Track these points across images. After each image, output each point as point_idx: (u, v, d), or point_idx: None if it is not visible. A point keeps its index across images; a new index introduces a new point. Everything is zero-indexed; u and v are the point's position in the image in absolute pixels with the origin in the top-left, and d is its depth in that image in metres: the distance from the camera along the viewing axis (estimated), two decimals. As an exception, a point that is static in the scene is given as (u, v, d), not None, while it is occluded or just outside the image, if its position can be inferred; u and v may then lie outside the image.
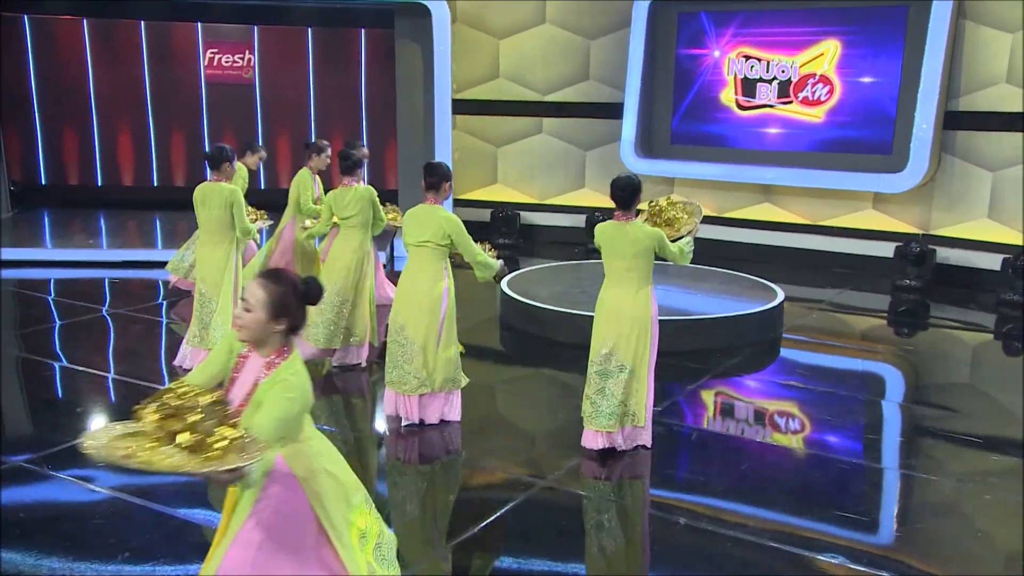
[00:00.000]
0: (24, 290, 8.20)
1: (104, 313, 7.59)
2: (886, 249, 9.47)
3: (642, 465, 4.70)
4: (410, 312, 4.89)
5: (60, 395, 5.77)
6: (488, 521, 4.01)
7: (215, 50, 12.60)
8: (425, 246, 4.85)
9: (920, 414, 5.85)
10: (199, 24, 12.43)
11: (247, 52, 12.66)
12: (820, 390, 6.16)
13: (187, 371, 5.88)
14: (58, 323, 7.33)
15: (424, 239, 4.84)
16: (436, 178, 4.89)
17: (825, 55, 9.82)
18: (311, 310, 2.66)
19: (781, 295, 7.39)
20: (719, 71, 10.49)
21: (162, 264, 8.15)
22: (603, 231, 4.58)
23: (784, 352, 7.06)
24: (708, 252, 8.72)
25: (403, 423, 5.06)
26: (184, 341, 5.89)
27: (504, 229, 11.00)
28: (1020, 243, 8.64)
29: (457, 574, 3.76)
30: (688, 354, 6.30)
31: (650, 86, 10.80)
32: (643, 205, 4.87)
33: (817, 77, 9.88)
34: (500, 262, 5.07)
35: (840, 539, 3.94)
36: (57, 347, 6.68)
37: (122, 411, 5.04)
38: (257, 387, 2.51)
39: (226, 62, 12.65)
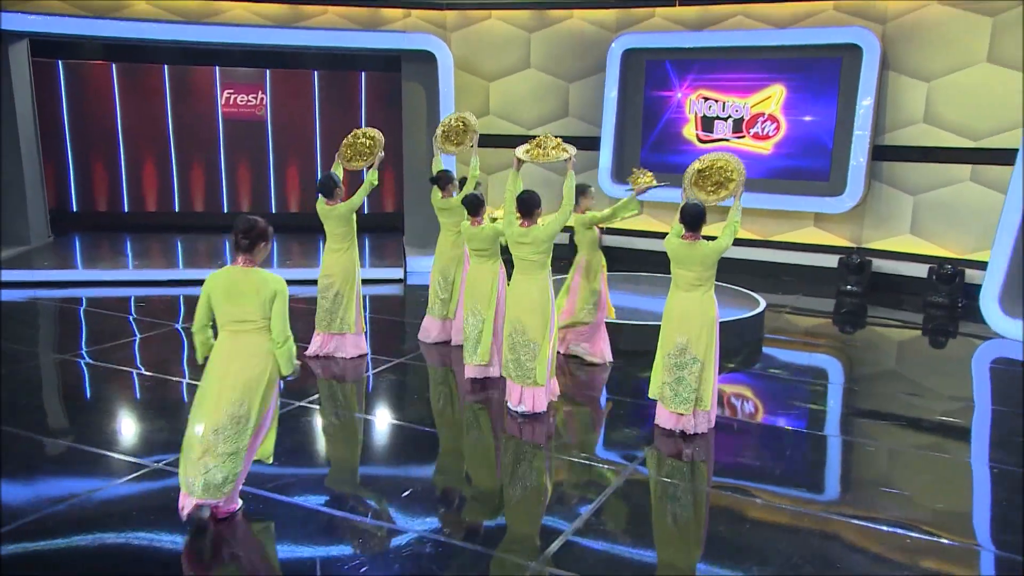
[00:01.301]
0: (71, 306, 8.62)
1: (178, 328, 8.03)
2: (827, 260, 10.46)
3: (706, 448, 5.17)
4: (527, 315, 5.37)
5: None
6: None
7: (231, 90, 13.09)
8: (530, 258, 5.38)
9: (864, 394, 6.66)
10: (216, 67, 12.93)
11: (260, 92, 13.17)
12: (799, 380, 6.92)
13: (318, 358, 6.72)
14: (137, 336, 7.74)
15: (529, 255, 5.38)
16: (529, 207, 5.37)
17: (772, 98, 10.79)
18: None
19: (763, 303, 7.99)
20: (682, 110, 11.40)
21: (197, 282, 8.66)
22: (674, 248, 5.10)
23: (767, 350, 7.59)
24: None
25: (519, 410, 5.52)
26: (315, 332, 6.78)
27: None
28: (940, 255, 9.71)
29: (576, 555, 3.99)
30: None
31: (623, 122, 11.65)
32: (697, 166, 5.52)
33: (766, 116, 10.85)
34: None
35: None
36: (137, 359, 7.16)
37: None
38: None
39: (241, 101, 13.15)
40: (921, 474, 5.03)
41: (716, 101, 11.12)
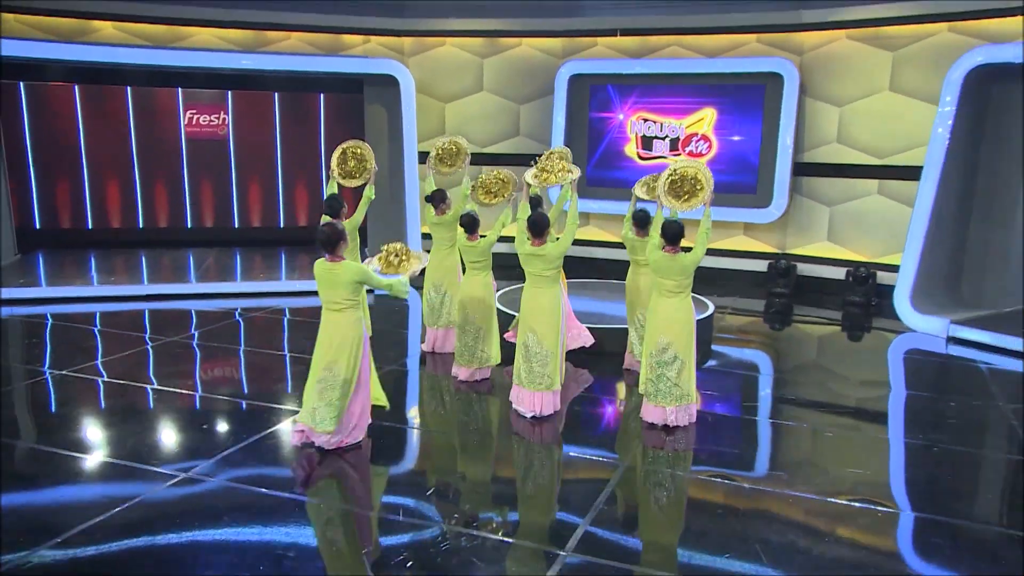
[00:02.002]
0: (39, 322, 8.65)
1: (196, 340, 8.17)
2: (757, 265, 11.28)
3: (687, 439, 5.63)
4: (541, 325, 5.76)
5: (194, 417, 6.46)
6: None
7: (194, 111, 13.08)
8: (544, 274, 5.75)
9: (792, 382, 7.33)
10: (179, 89, 12.93)
11: (222, 112, 13.20)
12: (741, 372, 7.63)
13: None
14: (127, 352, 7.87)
15: (543, 270, 5.75)
16: (540, 228, 5.70)
17: (704, 119, 11.56)
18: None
19: (712, 306, 8.48)
20: (623, 130, 12.06)
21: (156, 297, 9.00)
22: (656, 260, 5.58)
23: (715, 347, 8.15)
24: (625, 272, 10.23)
25: (529, 413, 5.84)
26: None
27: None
28: (854, 259, 10.62)
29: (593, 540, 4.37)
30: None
31: (570, 141, 12.14)
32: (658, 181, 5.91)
33: (699, 136, 11.60)
34: None
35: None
36: (150, 371, 7.28)
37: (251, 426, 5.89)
38: None
39: (203, 121, 13.15)
40: (845, 451, 5.61)
41: (654, 122, 11.82)
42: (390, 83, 11.31)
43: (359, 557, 4.02)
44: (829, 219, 10.95)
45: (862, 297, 10.09)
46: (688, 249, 5.58)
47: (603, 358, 7.42)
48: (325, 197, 7.09)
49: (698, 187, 5.74)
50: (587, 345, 7.41)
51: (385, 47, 12.37)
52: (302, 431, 5.23)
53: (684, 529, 4.45)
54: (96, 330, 8.44)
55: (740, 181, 11.43)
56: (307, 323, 8.86)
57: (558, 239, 5.85)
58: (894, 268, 10.02)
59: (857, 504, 4.70)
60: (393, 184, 11.76)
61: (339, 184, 7.26)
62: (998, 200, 9.11)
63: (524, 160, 12.74)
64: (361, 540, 4.24)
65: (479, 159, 12.68)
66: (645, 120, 11.88)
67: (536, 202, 6.92)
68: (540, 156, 6.98)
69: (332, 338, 5.07)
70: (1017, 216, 9.02)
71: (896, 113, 10.23)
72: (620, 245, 11.72)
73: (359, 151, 7.30)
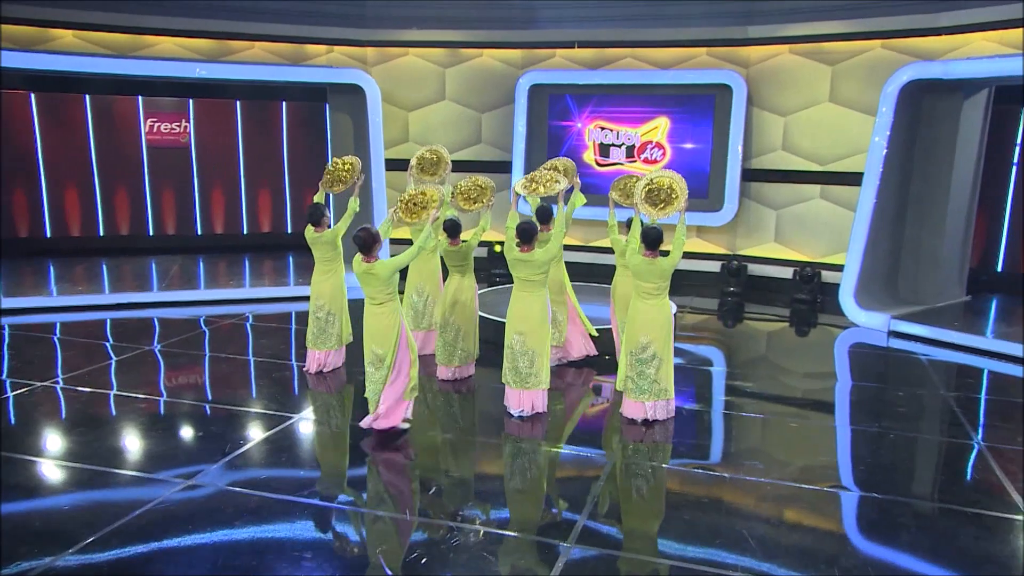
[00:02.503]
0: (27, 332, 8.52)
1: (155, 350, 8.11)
2: (709, 266, 11.74)
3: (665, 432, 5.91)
4: (528, 327, 5.95)
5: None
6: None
7: (155, 119, 12.91)
8: (532, 279, 5.98)
9: (746, 375, 7.73)
10: (140, 97, 12.74)
11: (183, 121, 13.06)
12: (701, 368, 8.02)
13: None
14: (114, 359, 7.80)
15: (530, 275, 5.98)
16: (530, 235, 5.89)
17: (658, 128, 11.96)
18: None
19: (674, 307, 9.02)
20: (582, 138, 12.39)
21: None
22: (636, 264, 5.82)
23: (676, 344, 8.50)
24: (584, 273, 10.55)
25: (517, 413, 6.06)
26: (309, 350, 7.19)
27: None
28: (800, 259, 11.16)
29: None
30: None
31: (530, 148, 12.45)
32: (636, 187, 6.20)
33: (654, 143, 12.01)
34: None
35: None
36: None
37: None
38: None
39: (165, 129, 12.99)
40: (795, 437, 6.01)
41: (611, 130, 12.19)
42: (356, 92, 11.40)
43: (376, 556, 4.18)
44: (776, 222, 11.48)
45: (808, 295, 10.63)
46: (666, 253, 5.88)
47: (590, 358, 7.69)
48: (309, 205, 7.16)
49: (673, 196, 6.05)
50: (591, 355, 7.62)
51: (348, 56, 12.44)
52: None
53: (666, 517, 4.73)
54: (56, 339, 8.34)
55: (693, 186, 11.62)
56: (276, 329, 8.92)
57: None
58: (837, 267, 10.59)
59: (805, 485, 5.05)
60: (360, 191, 11.81)
61: (325, 193, 7.30)
62: (930, 204, 9.72)
63: (485, 167, 13.14)
64: (375, 540, 4.40)
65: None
66: (602, 128, 12.23)
67: (545, 214, 7.06)
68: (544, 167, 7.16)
69: (376, 328, 5.59)
70: (947, 218, 9.64)
71: (836, 123, 10.79)
72: (580, 248, 12.17)
73: (350, 162, 7.35)
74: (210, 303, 9.92)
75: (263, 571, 3.91)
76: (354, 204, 7.07)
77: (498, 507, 4.80)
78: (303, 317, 7.87)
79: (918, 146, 9.67)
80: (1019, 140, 10.50)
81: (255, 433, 5.72)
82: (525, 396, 6.07)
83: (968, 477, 5.40)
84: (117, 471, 5.01)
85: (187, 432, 5.83)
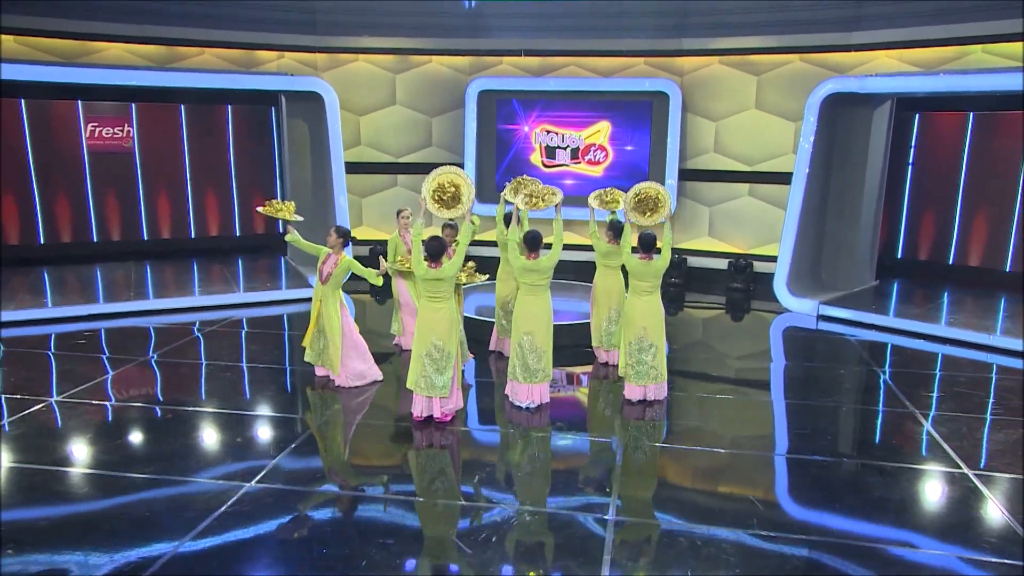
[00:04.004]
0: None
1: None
2: (650, 259, 12.60)
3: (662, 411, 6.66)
4: (536, 326, 6.46)
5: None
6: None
7: (96, 123, 12.56)
8: (538, 283, 6.51)
9: (683, 359, 8.57)
10: (79, 101, 12.34)
11: (126, 125, 12.76)
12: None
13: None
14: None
15: (536, 280, 6.51)
16: (535, 244, 6.42)
17: (601, 131, 12.70)
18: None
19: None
20: (528, 140, 12.96)
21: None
22: (633, 265, 6.57)
23: None
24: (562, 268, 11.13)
25: (526, 404, 6.54)
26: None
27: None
28: (732, 251, 12.19)
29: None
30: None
31: (480, 151, 12.94)
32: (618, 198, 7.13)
33: (596, 146, 12.74)
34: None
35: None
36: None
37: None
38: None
39: (107, 134, 12.66)
40: (735, 411, 6.75)
41: (556, 133, 12.82)
42: (312, 99, 11.52)
43: (452, 539, 4.65)
44: (709, 218, 12.46)
45: (742, 284, 11.66)
46: (659, 251, 6.64)
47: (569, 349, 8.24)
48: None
49: (659, 205, 6.77)
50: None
51: (299, 62, 12.50)
52: (430, 407, 6.17)
53: (660, 484, 5.47)
54: None
55: (632, 185, 12.63)
56: (224, 334, 9.01)
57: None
58: (765, 258, 11.67)
59: (742, 452, 5.87)
60: (318, 195, 11.98)
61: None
62: (847, 200, 10.88)
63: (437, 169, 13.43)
64: (446, 523, 4.86)
65: (394, 168, 13.19)
66: (548, 132, 12.84)
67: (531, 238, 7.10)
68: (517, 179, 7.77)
69: (438, 323, 6.03)
70: (861, 213, 10.83)
71: (761, 127, 11.84)
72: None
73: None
74: (155, 312, 9.75)
75: (355, 558, 4.32)
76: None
77: (533, 488, 5.38)
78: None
79: (836, 150, 10.80)
80: (913, 143, 11.88)
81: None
82: (534, 389, 6.61)
83: (905, 439, 6.32)
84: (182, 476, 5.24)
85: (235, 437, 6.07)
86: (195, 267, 12.31)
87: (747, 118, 11.93)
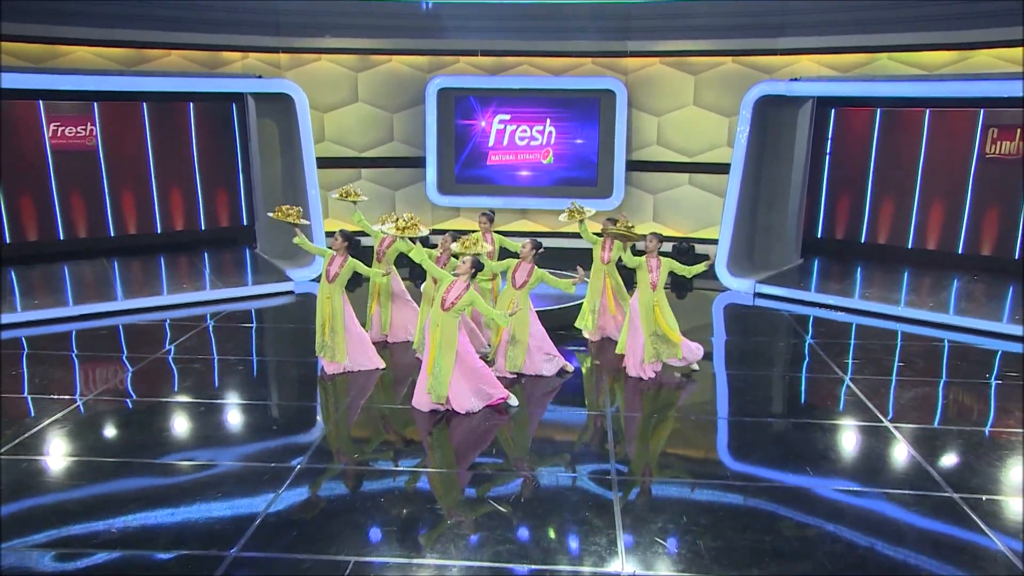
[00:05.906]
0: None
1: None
2: (601, 244, 13.63)
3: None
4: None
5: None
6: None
7: (58, 123, 12.60)
8: (527, 284, 7.55)
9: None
10: (40, 101, 12.36)
11: (89, 124, 12.82)
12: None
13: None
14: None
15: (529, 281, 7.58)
16: (535, 249, 7.60)
17: (552, 126, 13.59)
18: None
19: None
20: (486, 135, 13.75)
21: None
22: (639, 263, 7.70)
23: None
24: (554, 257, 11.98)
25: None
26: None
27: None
28: (676, 235, 13.34)
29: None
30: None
31: (440, 145, 13.61)
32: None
33: (549, 139, 13.62)
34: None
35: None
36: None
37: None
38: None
39: (69, 133, 12.71)
40: (684, 383, 7.77)
41: (511, 128, 13.63)
42: (282, 99, 11.94)
43: (486, 500, 5.52)
44: (654, 204, 13.57)
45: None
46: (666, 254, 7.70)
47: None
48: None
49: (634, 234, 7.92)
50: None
51: (263, 63, 12.86)
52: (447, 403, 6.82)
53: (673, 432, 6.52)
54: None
55: (583, 176, 13.67)
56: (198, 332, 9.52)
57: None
58: (704, 240, 12.87)
59: (687, 416, 6.99)
60: (287, 195, 12.42)
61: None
62: (776, 188, 12.15)
63: (399, 163, 14.10)
64: (477, 490, 5.70)
65: (358, 163, 13.73)
66: (504, 126, 13.63)
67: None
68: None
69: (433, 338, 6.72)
70: (788, 199, 12.12)
71: (698, 122, 12.97)
72: (552, 234, 13.51)
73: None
74: (125, 312, 10.01)
75: (405, 525, 5.16)
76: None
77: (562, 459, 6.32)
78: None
79: (767, 143, 12.02)
80: (830, 135, 13.24)
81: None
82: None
83: (841, 402, 7.55)
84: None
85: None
86: (162, 262, 12.63)
87: (686, 114, 13.03)
